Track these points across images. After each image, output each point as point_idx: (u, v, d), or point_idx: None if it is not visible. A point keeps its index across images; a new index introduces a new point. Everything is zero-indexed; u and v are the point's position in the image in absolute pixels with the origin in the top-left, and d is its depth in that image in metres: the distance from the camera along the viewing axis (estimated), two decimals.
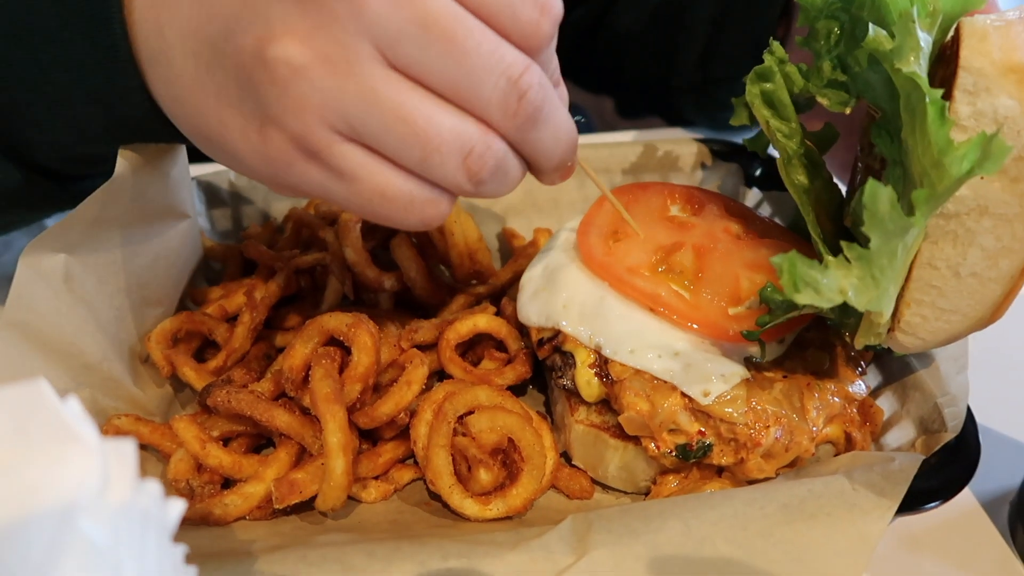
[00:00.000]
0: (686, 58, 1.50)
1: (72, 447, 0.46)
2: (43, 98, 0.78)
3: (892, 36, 0.73)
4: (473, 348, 1.09)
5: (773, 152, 1.22)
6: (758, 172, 1.33)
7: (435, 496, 0.92)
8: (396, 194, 0.67)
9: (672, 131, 1.64)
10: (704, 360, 0.92)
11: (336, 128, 0.64)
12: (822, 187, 0.98)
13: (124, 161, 0.87)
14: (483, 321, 1.04)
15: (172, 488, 0.90)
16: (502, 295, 1.12)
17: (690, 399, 0.89)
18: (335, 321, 0.93)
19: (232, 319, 1.08)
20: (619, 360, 0.93)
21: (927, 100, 0.69)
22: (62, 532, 0.44)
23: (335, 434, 0.84)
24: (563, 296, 0.99)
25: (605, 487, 0.98)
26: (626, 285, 0.95)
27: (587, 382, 0.94)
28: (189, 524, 0.86)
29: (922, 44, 0.72)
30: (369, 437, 0.97)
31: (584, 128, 0.85)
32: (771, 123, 0.96)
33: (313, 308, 1.10)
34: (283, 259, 1.11)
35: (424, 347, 1.02)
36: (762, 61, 1.00)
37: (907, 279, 0.79)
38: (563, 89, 0.77)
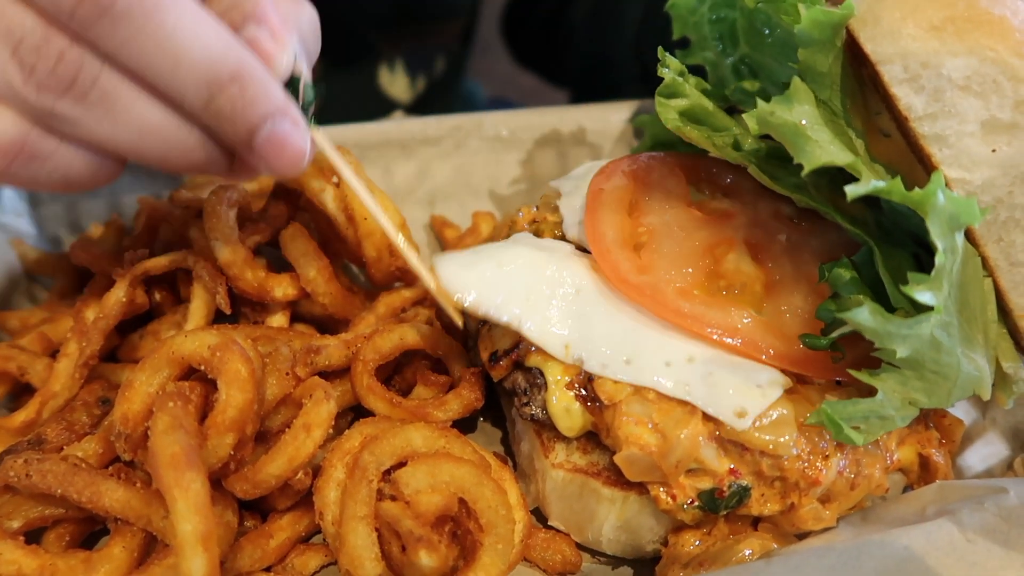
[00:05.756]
0: (622, 53, 1.53)
1: None
2: None
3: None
4: (401, 371, 0.89)
5: None
6: None
7: None
8: None
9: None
10: (731, 367, 0.69)
11: None
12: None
13: None
14: (412, 334, 0.83)
15: None
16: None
17: (717, 423, 0.69)
18: (193, 343, 0.73)
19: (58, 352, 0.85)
20: (610, 376, 0.69)
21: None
22: None
23: (188, 519, 0.60)
24: (511, 273, 0.73)
25: (596, 554, 0.79)
26: (686, 318, 0.71)
27: (565, 409, 0.74)
28: None
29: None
30: (256, 509, 0.77)
31: None
32: (713, 140, 0.76)
33: (175, 331, 0.85)
34: (124, 264, 0.82)
35: (332, 374, 0.81)
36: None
37: (1002, 298, 0.69)
38: None
